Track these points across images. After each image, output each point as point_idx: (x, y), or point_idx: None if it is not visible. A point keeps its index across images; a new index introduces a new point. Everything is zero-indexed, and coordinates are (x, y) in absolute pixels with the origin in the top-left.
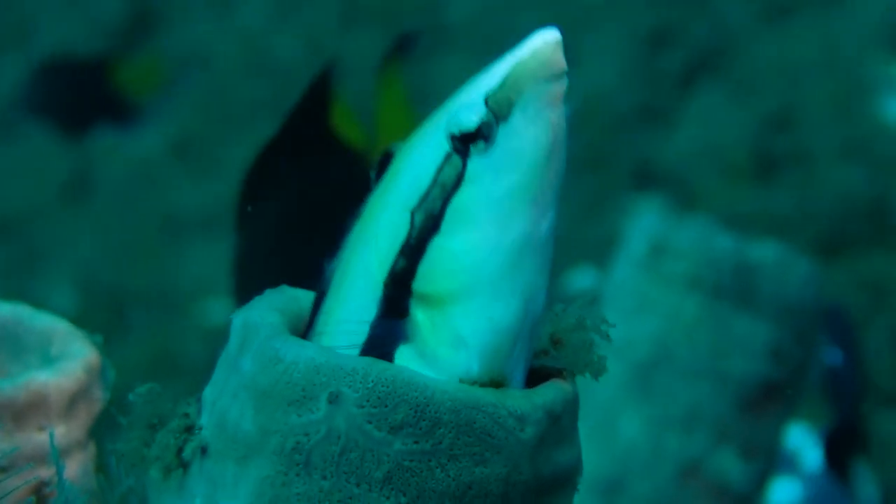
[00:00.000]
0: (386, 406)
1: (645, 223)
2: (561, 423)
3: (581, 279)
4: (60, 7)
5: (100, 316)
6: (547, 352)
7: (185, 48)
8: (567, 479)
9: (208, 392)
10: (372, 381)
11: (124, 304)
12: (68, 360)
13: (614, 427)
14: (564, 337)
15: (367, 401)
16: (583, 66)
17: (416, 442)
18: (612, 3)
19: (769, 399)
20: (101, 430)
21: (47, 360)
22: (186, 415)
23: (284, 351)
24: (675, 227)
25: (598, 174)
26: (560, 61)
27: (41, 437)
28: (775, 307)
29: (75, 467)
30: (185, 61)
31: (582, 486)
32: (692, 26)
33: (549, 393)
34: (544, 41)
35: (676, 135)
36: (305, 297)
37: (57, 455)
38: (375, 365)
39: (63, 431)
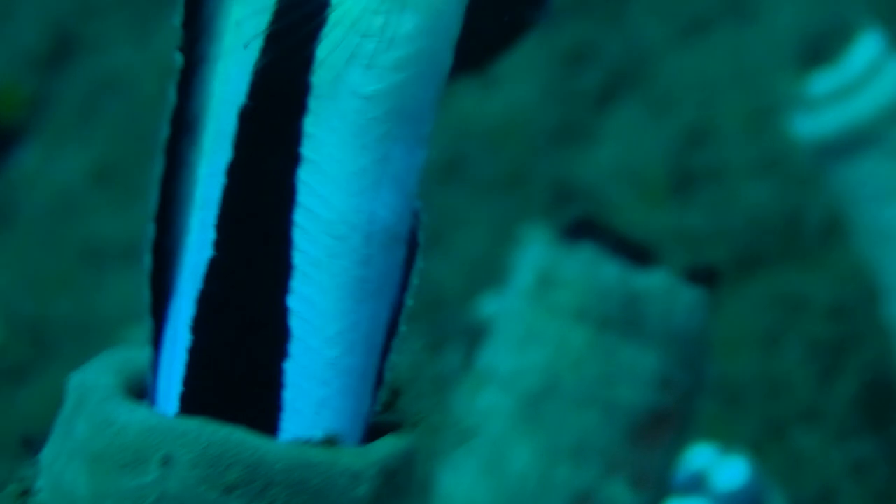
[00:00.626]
0: (218, 467)
1: (532, 253)
2: (397, 479)
3: (493, 305)
4: None
5: (21, 347)
6: (388, 404)
7: (105, 74)
8: None
9: (46, 454)
10: (204, 442)
11: (46, 334)
12: None
13: (504, 460)
14: (404, 387)
15: (200, 462)
16: (499, 87)
17: (249, 502)
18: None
19: (659, 427)
20: None
21: None
22: (23, 478)
23: (116, 414)
24: (562, 257)
25: (515, 195)
26: None
27: None
28: (662, 335)
29: None
30: (106, 87)
31: None
32: (608, 44)
33: (384, 448)
34: None
35: (594, 153)
36: (142, 356)
37: None
38: (207, 426)
39: None
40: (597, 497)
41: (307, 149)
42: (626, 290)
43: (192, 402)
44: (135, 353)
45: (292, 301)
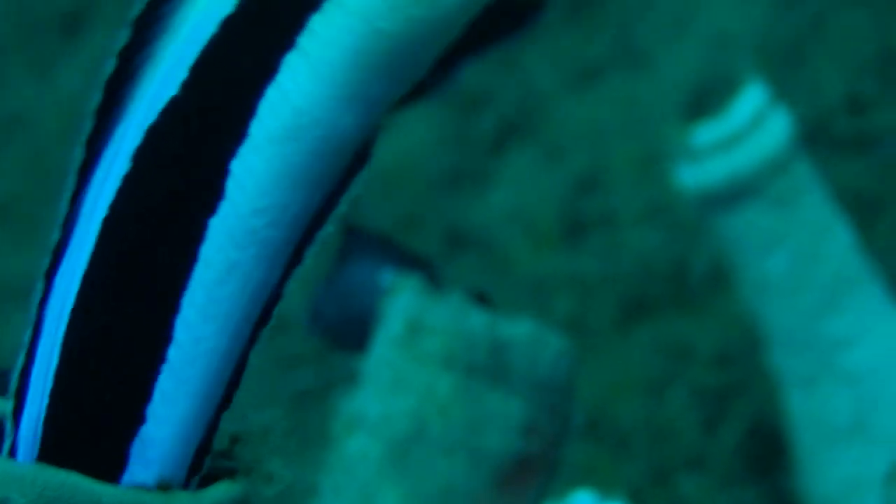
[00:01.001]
0: None
1: (401, 301)
2: None
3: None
4: None
5: None
6: (225, 451)
7: (7, 112)
8: None
9: None
10: (40, 486)
11: None
12: None
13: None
14: (245, 436)
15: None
16: (392, 133)
17: None
18: None
19: (525, 473)
20: None
21: None
22: None
23: None
24: (430, 305)
25: (407, 239)
26: None
27: None
28: (528, 383)
29: None
30: (7, 125)
31: None
32: (502, 90)
33: (217, 494)
34: None
35: (487, 198)
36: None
37: None
38: (44, 470)
39: None
40: None
41: None
42: (493, 338)
43: (47, 450)
44: None
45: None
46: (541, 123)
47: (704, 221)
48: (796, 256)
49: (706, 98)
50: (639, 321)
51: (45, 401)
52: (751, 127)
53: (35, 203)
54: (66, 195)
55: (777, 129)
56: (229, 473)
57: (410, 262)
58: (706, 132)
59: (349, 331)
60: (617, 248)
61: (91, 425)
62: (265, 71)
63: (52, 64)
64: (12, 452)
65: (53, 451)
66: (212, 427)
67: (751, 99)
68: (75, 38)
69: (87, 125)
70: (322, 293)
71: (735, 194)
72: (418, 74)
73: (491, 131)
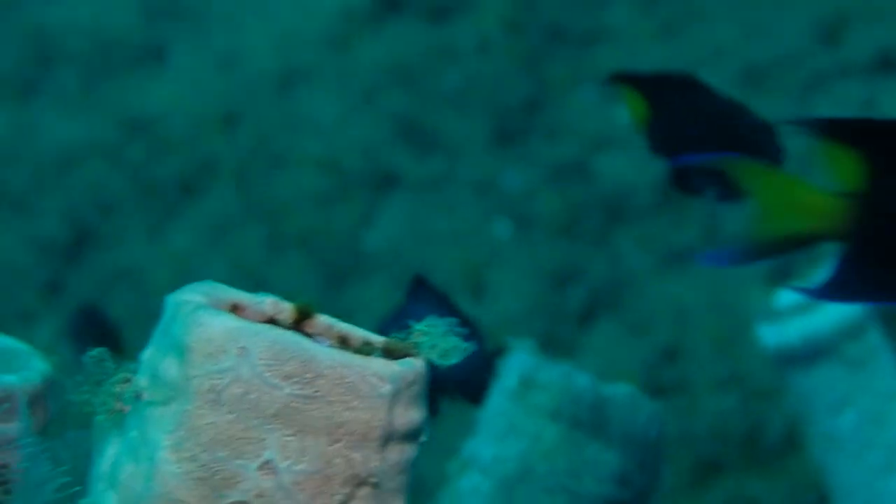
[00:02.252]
0: (281, 360)
1: (517, 360)
2: (413, 388)
3: None
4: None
5: None
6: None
7: (120, 265)
8: (414, 434)
9: (145, 354)
10: (271, 340)
11: None
12: (30, 371)
13: None
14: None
15: (267, 354)
16: (488, 301)
17: (301, 388)
18: (519, 242)
19: None
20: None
21: (12, 371)
22: (127, 370)
23: (206, 317)
24: (542, 365)
25: None
26: None
27: (5, 428)
28: (624, 438)
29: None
30: (118, 278)
31: None
32: (592, 266)
33: (406, 364)
34: None
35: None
36: (224, 289)
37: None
38: (274, 329)
39: (23, 426)
40: None
41: None
42: (596, 396)
43: None
44: (215, 285)
45: None
46: (628, 299)
47: (779, 385)
48: (864, 416)
49: (787, 269)
50: (712, 481)
51: None
52: None
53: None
54: None
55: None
56: (409, 353)
57: (462, 318)
58: (788, 296)
59: None
60: (694, 412)
61: None
62: None
63: (166, 223)
64: None
65: None
66: None
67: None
68: (189, 200)
69: None
70: (383, 326)
71: (811, 354)
72: None
73: (580, 304)
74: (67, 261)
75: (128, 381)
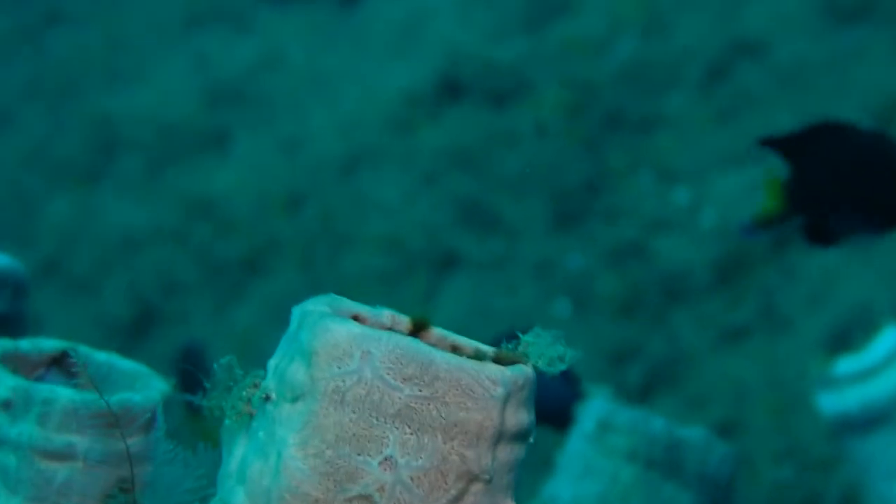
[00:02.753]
0: (401, 363)
1: (594, 404)
2: (523, 392)
3: None
4: (67, 302)
5: None
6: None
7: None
8: (523, 434)
9: (272, 361)
10: (392, 345)
11: None
12: (150, 391)
13: None
14: (526, 342)
15: (388, 358)
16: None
17: (420, 390)
18: (579, 320)
19: None
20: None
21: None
22: (255, 376)
23: (332, 324)
24: (618, 409)
25: None
26: None
27: (129, 443)
28: (697, 478)
29: (148, 469)
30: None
31: None
32: (651, 344)
33: (517, 369)
34: None
35: None
36: (345, 301)
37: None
38: (395, 335)
39: (141, 441)
40: None
41: None
42: (670, 438)
43: None
44: (337, 297)
45: None
46: (686, 375)
47: (838, 451)
48: None
49: (846, 336)
50: None
51: None
52: (888, 361)
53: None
54: None
55: None
56: (519, 360)
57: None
58: (847, 364)
59: None
60: (753, 483)
61: None
62: None
63: (230, 302)
64: None
65: None
66: None
67: (888, 338)
68: (253, 279)
69: None
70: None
71: (868, 421)
72: None
73: (640, 380)
74: (133, 338)
75: (256, 385)
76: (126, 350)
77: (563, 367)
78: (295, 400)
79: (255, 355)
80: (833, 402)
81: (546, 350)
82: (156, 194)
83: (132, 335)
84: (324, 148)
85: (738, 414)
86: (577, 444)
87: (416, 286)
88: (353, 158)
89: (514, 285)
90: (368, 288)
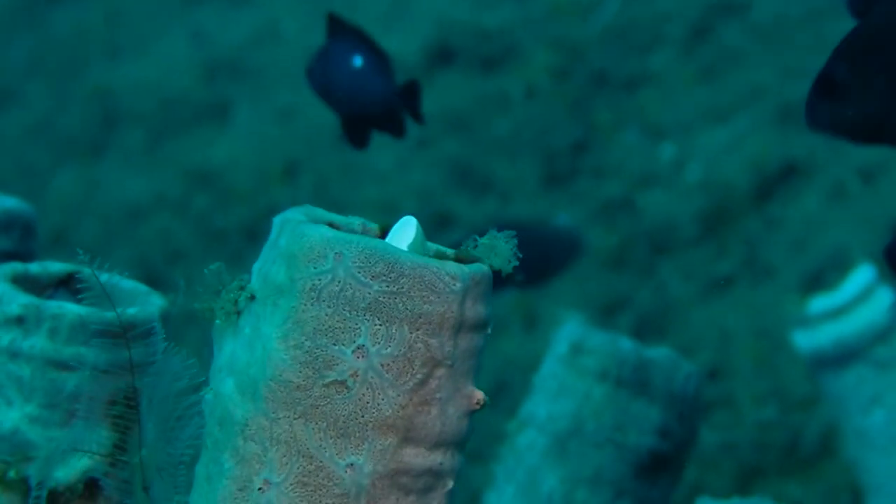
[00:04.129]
0: (370, 262)
1: (567, 328)
2: (480, 287)
3: None
4: None
5: None
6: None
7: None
8: (481, 325)
9: (256, 265)
10: (362, 247)
11: None
12: (149, 306)
13: (537, 484)
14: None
15: (358, 258)
16: (542, 331)
17: (387, 286)
18: (571, 277)
19: (659, 468)
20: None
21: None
22: (241, 280)
23: (308, 230)
24: (589, 333)
25: None
26: None
27: (132, 351)
28: (664, 396)
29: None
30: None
31: None
32: (639, 295)
33: (475, 267)
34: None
35: None
36: (319, 211)
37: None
38: (364, 238)
39: (142, 350)
40: None
41: None
42: (638, 358)
43: None
44: (313, 208)
45: None
46: (673, 325)
47: (816, 395)
48: (893, 414)
49: (819, 278)
50: (755, 486)
51: None
52: (858, 300)
53: None
54: None
55: (881, 303)
56: (477, 260)
57: (376, 49)
58: (820, 303)
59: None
60: (736, 425)
61: None
62: None
63: (230, 269)
64: None
65: None
66: None
67: (860, 277)
68: (252, 246)
69: None
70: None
71: (841, 357)
72: None
73: (629, 330)
74: None
75: (242, 288)
76: None
77: (516, 263)
78: (276, 297)
79: None
80: (808, 340)
81: (500, 250)
82: (157, 165)
83: None
84: (318, 117)
85: (723, 359)
86: (552, 366)
87: None
88: None
89: None
90: None
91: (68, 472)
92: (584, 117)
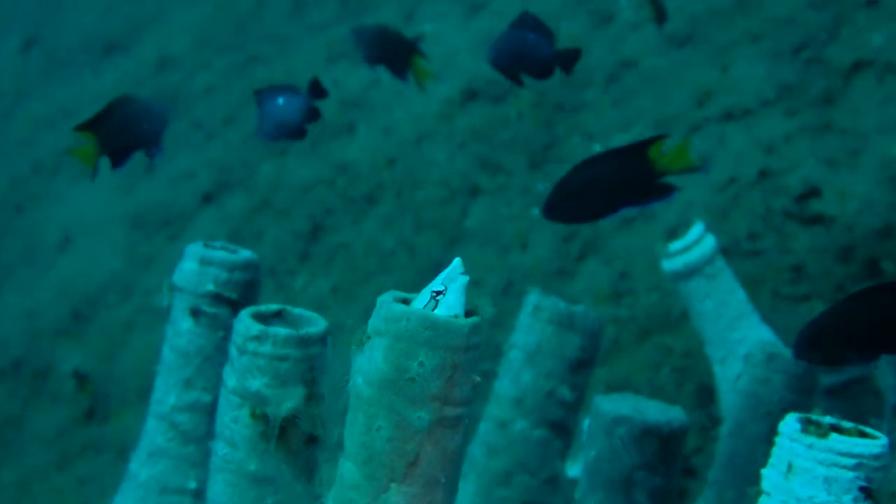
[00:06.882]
0: (424, 322)
1: (531, 297)
2: (476, 329)
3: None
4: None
5: None
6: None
7: (339, 243)
8: (477, 347)
9: (370, 321)
10: (419, 314)
11: None
12: (320, 326)
13: (519, 378)
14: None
15: (417, 320)
16: (530, 250)
17: (432, 332)
18: (544, 220)
19: (580, 367)
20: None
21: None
22: (363, 329)
23: (393, 306)
24: (543, 298)
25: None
26: None
27: (313, 351)
28: (582, 330)
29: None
30: (339, 249)
31: None
32: (582, 229)
33: (473, 318)
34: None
35: (573, 284)
36: (400, 294)
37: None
38: (419, 310)
39: (320, 351)
40: (555, 392)
41: None
42: (569, 311)
43: None
44: (396, 293)
45: None
46: (602, 247)
47: (673, 289)
48: (717, 303)
49: (676, 231)
50: (647, 340)
51: None
52: (696, 243)
53: None
54: None
55: (708, 244)
56: (475, 313)
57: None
58: (675, 245)
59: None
60: (635, 305)
61: None
62: None
63: (359, 220)
64: None
65: None
66: None
67: (696, 230)
68: (371, 207)
69: None
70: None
71: (688, 273)
72: None
73: (577, 251)
74: (309, 242)
75: (363, 332)
76: (303, 257)
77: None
78: (379, 339)
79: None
80: (669, 265)
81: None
82: (317, 159)
83: (309, 240)
84: (404, 132)
85: (630, 268)
86: (524, 317)
87: (457, 206)
88: (420, 137)
89: (510, 201)
90: (432, 210)
91: (283, 411)
92: (550, 130)
